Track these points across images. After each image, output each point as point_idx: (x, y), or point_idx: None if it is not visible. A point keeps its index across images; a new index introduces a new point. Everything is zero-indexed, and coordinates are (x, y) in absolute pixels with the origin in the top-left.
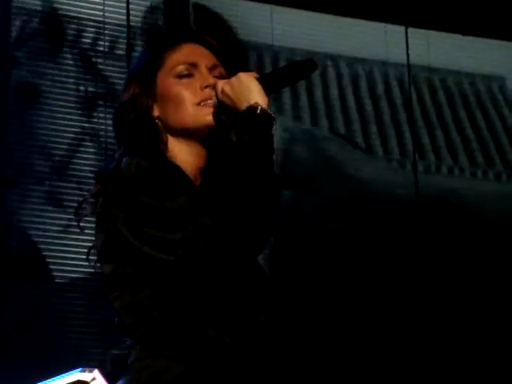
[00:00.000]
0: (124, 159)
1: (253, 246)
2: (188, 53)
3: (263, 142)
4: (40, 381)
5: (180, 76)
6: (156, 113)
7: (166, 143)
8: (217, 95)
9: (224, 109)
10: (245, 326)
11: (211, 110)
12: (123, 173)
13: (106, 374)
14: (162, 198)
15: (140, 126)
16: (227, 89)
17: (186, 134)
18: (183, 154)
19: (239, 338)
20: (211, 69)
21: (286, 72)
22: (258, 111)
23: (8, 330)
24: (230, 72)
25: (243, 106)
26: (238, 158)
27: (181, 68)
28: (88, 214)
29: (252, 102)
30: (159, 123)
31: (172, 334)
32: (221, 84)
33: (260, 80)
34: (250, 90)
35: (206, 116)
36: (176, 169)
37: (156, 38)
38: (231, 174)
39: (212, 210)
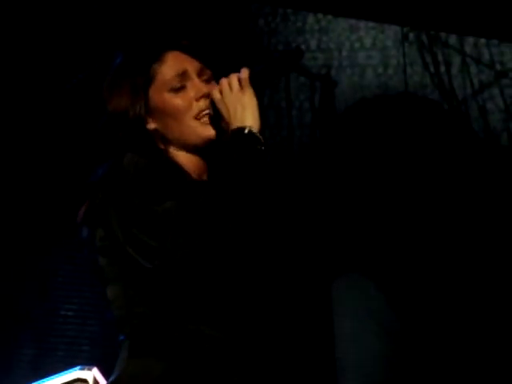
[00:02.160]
0: (126, 155)
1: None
2: (175, 62)
3: (246, 164)
4: (40, 379)
5: (174, 89)
6: (152, 125)
7: (166, 151)
8: (213, 104)
9: (220, 116)
10: (235, 322)
11: (209, 124)
12: (123, 169)
13: (105, 372)
14: (152, 201)
15: (133, 137)
16: (220, 97)
17: (188, 147)
18: (182, 160)
19: (230, 333)
20: (200, 74)
21: (276, 64)
22: (246, 131)
23: (10, 327)
24: (214, 70)
25: (235, 124)
26: (219, 177)
27: (173, 82)
28: (85, 235)
29: (243, 123)
30: (156, 135)
31: (160, 330)
32: (215, 93)
33: (253, 77)
34: (243, 108)
35: (206, 131)
36: (174, 168)
37: (134, 47)
38: (213, 190)
39: (191, 226)
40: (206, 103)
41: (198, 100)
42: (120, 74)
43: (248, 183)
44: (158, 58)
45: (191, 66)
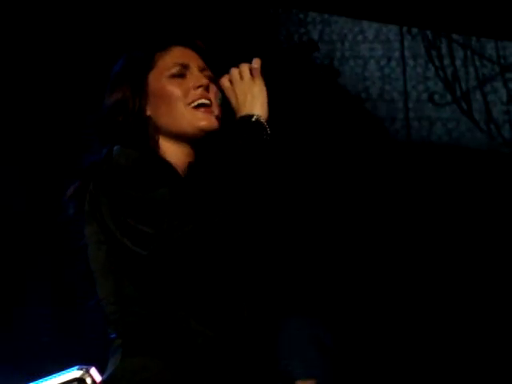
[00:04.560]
0: (115, 148)
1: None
2: (179, 55)
3: (249, 151)
4: (38, 379)
5: (173, 76)
6: (147, 113)
7: (156, 141)
8: (222, 91)
9: (228, 105)
10: (228, 321)
11: (205, 114)
12: (114, 161)
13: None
14: (145, 190)
15: (131, 127)
16: (230, 85)
17: (178, 136)
18: (172, 152)
19: (222, 332)
20: (201, 70)
21: (289, 56)
22: (253, 119)
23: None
24: (217, 74)
25: (243, 111)
26: (221, 163)
27: (173, 69)
28: (71, 212)
29: (251, 111)
30: (150, 123)
31: (153, 329)
32: (224, 80)
33: (264, 68)
34: (253, 97)
35: (201, 121)
36: (163, 162)
37: (143, 40)
38: (212, 175)
39: (186, 209)
40: (203, 93)
41: (195, 89)
42: (125, 61)
43: (249, 170)
44: (165, 48)
45: (195, 62)
